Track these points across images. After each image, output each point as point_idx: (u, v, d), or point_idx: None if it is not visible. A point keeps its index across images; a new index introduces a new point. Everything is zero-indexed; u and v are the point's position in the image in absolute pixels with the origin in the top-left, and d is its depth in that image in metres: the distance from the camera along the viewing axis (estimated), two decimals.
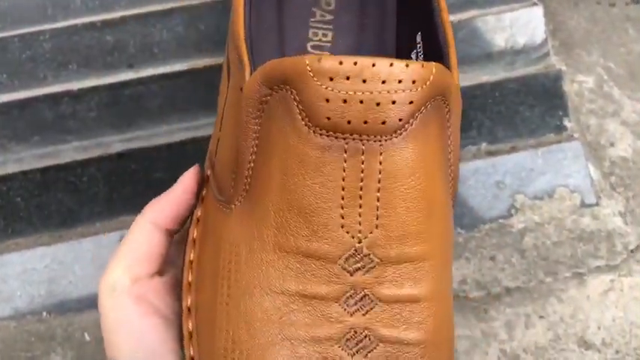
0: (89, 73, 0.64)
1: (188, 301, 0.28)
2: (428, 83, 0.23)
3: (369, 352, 0.23)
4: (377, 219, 0.23)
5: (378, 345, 0.24)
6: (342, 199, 0.23)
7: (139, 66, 0.65)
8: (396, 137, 0.23)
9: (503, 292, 0.58)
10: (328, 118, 0.22)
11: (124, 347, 0.28)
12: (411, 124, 0.23)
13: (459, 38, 0.64)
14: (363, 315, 0.24)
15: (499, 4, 0.66)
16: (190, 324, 0.27)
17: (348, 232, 0.24)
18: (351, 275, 0.24)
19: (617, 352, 0.55)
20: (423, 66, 0.23)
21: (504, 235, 0.59)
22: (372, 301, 0.24)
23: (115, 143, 0.63)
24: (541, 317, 0.57)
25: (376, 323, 0.24)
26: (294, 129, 0.23)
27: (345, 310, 0.24)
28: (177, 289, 0.31)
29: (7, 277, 0.60)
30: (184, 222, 0.31)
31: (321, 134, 0.23)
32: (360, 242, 0.24)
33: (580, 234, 0.59)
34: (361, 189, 0.23)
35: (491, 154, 0.62)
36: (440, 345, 0.25)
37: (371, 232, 0.24)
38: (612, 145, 0.64)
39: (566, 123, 0.63)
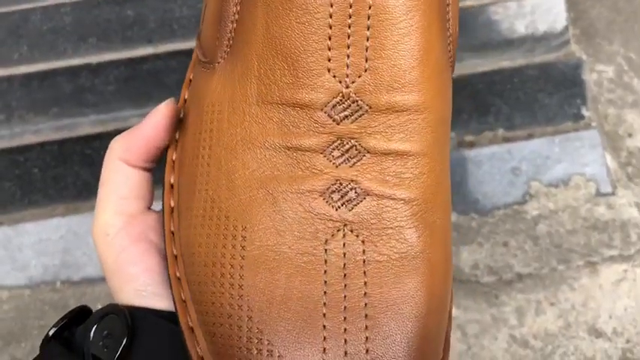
0: (108, 47, 0.65)
1: (171, 178, 0.26)
2: None
3: (355, 205, 0.22)
4: (366, 61, 0.21)
5: (364, 199, 0.22)
6: (329, 39, 0.21)
7: (158, 41, 0.65)
8: None
9: (515, 278, 0.58)
10: None
11: (129, 289, 0.26)
12: None
13: (479, 23, 0.64)
14: (350, 167, 0.22)
15: None
16: (172, 201, 0.25)
17: (334, 77, 0.21)
18: (338, 124, 0.21)
19: (627, 341, 0.54)
20: None
21: (518, 221, 0.59)
22: (359, 152, 0.22)
23: (133, 117, 0.64)
24: (552, 304, 0.57)
25: (363, 176, 0.22)
26: None
27: (330, 161, 0.22)
28: None
29: (22, 247, 0.61)
30: (158, 160, 0.28)
31: None
32: (347, 87, 0.21)
33: (594, 223, 0.59)
34: (350, 27, 0.21)
35: (507, 140, 0.62)
36: (433, 205, 0.23)
37: (359, 76, 0.21)
38: (630, 135, 0.63)
39: (585, 112, 0.63)
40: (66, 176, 0.62)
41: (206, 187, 0.23)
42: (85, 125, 0.63)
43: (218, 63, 0.24)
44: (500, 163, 0.60)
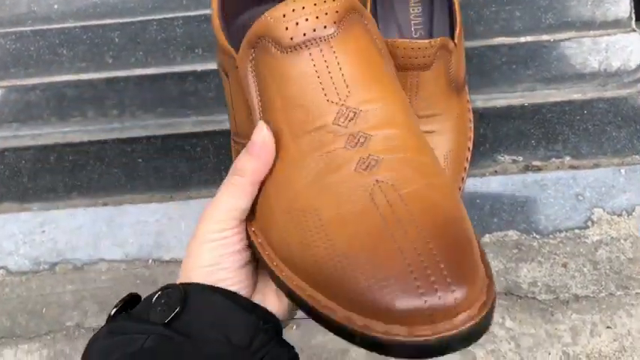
0: (212, 57, 0.73)
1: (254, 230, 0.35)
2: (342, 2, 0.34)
3: (377, 169, 0.31)
4: (347, 87, 0.33)
5: (381, 163, 0.32)
6: (321, 84, 0.33)
7: None
8: (337, 34, 0.34)
9: (572, 299, 0.60)
10: (291, 38, 0.33)
11: (202, 260, 0.34)
12: (342, 24, 0.34)
13: (553, 57, 0.68)
14: (361, 146, 0.32)
15: (597, 28, 0.69)
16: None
17: (332, 102, 0.33)
18: (346, 128, 0.32)
19: None
20: None
21: (579, 245, 0.62)
22: (365, 137, 0.32)
23: (228, 121, 0.71)
24: (608, 327, 0.58)
25: (372, 148, 0.32)
26: (273, 58, 0.34)
27: (348, 149, 0.32)
28: None
29: (123, 226, 0.68)
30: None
31: (289, 52, 0.33)
32: (342, 105, 0.33)
33: None
34: (329, 72, 0.33)
35: (574, 167, 0.65)
36: (412, 153, 0.33)
37: (347, 96, 0.33)
38: None
39: None
40: (165, 167, 0.70)
41: (277, 201, 0.33)
42: (186, 124, 0.71)
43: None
44: (565, 189, 0.63)
